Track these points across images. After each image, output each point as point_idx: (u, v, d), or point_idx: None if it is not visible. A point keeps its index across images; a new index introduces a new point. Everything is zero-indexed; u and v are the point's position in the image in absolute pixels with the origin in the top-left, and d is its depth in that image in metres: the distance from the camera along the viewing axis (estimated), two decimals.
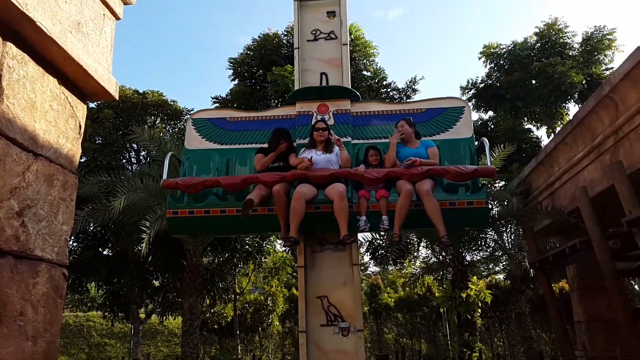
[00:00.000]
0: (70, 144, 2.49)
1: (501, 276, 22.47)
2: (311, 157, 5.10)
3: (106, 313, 16.95)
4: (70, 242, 14.27)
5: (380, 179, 5.00)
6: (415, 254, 19.30)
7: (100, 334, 27.92)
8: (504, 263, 18.02)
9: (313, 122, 5.56)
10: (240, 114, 6.05)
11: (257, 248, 16.75)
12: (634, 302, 20.87)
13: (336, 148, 5.30)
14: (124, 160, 15.79)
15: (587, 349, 8.88)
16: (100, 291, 17.09)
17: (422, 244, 14.82)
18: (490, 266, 19.96)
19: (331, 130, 5.43)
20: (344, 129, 5.60)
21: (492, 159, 5.43)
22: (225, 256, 16.16)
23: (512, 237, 13.62)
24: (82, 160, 13.38)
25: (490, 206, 5.49)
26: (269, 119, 5.87)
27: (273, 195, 4.90)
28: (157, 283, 16.61)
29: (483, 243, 13.03)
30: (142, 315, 17.52)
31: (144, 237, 8.38)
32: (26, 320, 2.08)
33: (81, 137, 2.60)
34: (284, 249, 18.99)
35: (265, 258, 18.69)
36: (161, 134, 13.79)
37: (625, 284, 11.80)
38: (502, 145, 10.54)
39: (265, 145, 5.50)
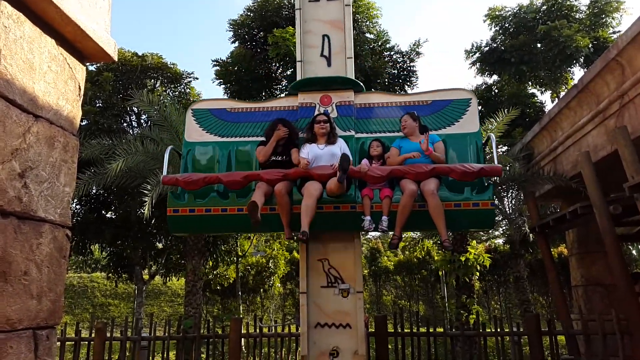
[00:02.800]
0: (71, 106, 2.47)
1: (501, 240, 22.70)
2: (309, 157, 4.96)
3: (110, 274, 17.19)
4: (74, 205, 14.37)
5: (383, 177, 4.83)
6: None
7: (104, 295, 28.46)
8: (504, 227, 18.17)
9: (315, 114, 5.37)
10: (241, 104, 5.86)
11: None
12: (631, 266, 21.16)
13: (340, 140, 5.15)
14: (125, 124, 15.70)
15: (582, 312, 9.03)
16: (104, 253, 17.24)
17: None
18: (490, 230, 20.16)
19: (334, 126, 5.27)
20: (347, 122, 5.44)
21: (498, 154, 5.25)
22: None
23: (513, 202, 13.68)
24: (83, 123, 13.32)
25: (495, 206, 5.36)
26: (270, 110, 5.69)
27: (275, 195, 4.78)
28: (160, 245, 16.77)
29: None
30: (146, 277, 17.78)
31: (146, 200, 8.40)
32: (30, 280, 2.11)
33: (81, 98, 2.57)
34: None
35: None
36: (161, 98, 13.65)
37: (623, 248, 11.89)
38: (505, 110, 10.46)
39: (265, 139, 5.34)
